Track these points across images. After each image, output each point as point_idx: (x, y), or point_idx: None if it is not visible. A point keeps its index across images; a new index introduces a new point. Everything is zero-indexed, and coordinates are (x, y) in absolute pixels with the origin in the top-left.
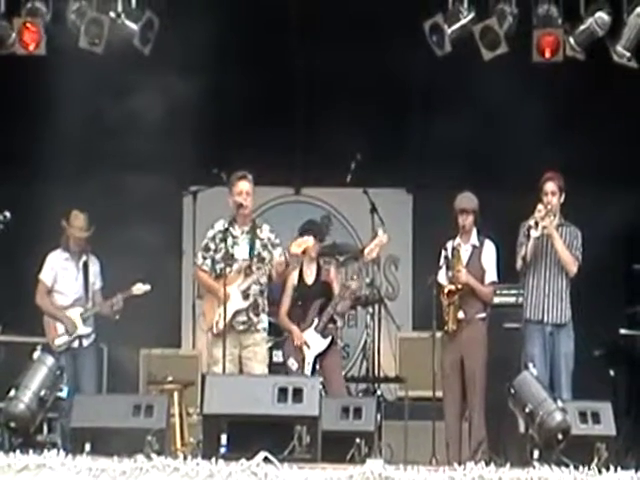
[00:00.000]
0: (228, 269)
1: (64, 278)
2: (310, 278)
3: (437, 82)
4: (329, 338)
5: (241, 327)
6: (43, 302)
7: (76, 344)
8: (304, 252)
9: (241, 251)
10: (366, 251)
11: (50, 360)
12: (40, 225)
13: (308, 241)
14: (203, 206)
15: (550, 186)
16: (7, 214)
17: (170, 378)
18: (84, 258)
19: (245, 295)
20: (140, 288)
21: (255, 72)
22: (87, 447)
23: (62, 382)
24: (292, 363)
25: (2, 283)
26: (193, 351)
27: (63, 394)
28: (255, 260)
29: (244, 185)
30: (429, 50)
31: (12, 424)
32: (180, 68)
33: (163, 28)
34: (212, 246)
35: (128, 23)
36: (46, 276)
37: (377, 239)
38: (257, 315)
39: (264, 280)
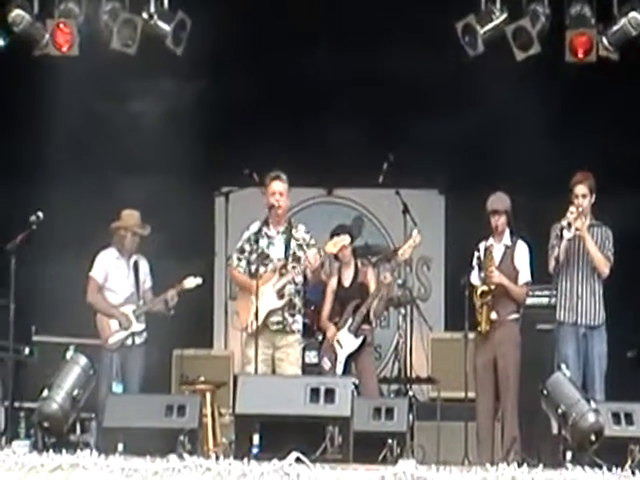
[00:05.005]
0: (263, 268)
1: (116, 277)
2: (347, 281)
3: (467, 83)
4: (361, 338)
5: (275, 327)
6: (95, 299)
7: (129, 342)
8: (338, 255)
9: (276, 251)
10: (400, 252)
11: (83, 360)
12: (74, 227)
13: (345, 240)
14: (235, 207)
15: (580, 189)
16: (40, 214)
17: (202, 378)
18: (134, 257)
19: (280, 295)
20: (192, 281)
21: (286, 74)
22: (120, 447)
23: (93, 382)
24: (325, 362)
25: (35, 283)
26: (225, 351)
27: (118, 390)
28: (290, 260)
29: (277, 185)
30: (458, 52)
31: (45, 424)
32: (211, 69)
33: (196, 28)
34: (247, 248)
35: (161, 24)
36: (97, 274)
37: (410, 239)
38: (292, 315)
39: (300, 279)
